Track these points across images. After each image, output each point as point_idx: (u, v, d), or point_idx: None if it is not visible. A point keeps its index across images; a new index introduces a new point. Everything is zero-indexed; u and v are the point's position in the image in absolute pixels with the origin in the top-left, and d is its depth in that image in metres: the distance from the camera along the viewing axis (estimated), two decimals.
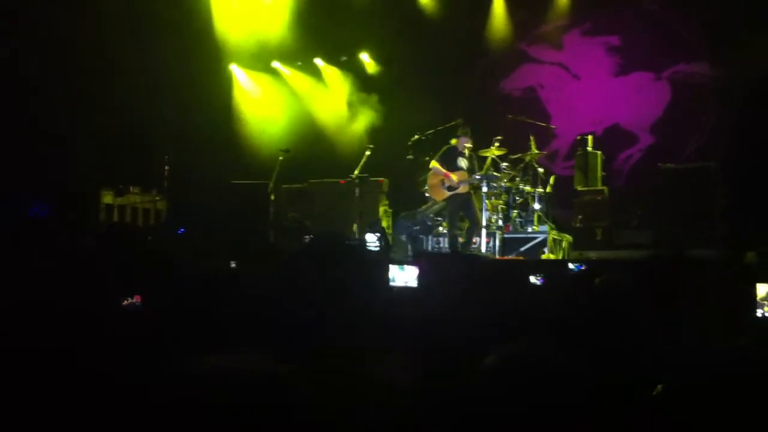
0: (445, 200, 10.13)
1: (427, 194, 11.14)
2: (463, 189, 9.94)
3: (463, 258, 7.34)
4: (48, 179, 9.55)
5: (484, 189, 9.98)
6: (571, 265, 6.24)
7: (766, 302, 3.12)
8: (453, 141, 10.16)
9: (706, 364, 2.23)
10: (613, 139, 12.30)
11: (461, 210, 10.07)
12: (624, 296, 3.06)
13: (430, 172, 10.18)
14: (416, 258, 5.61)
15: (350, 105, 13.33)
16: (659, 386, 2.12)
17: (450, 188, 10.01)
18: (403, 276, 4.59)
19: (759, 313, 3.12)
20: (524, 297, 4.31)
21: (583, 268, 5.84)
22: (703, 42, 11.96)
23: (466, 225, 10.17)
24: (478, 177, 10.02)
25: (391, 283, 4.33)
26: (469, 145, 10.10)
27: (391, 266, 4.46)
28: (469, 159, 10.10)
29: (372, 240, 9.31)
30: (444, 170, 10.00)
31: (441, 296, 3.70)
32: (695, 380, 2.16)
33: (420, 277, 4.48)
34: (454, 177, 9.95)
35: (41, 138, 9.78)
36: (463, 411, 1.93)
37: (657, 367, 2.29)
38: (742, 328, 3.03)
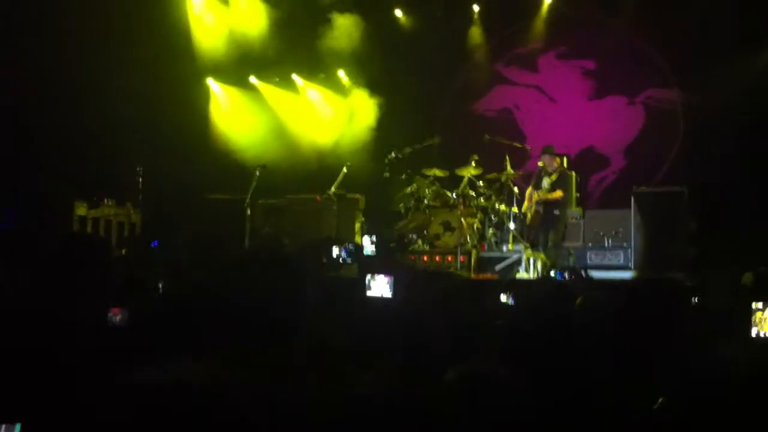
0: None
1: (402, 211, 11.20)
2: (531, 209, 9.99)
3: (434, 274, 7.40)
4: (21, 190, 9.42)
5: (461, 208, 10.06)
6: (552, 273, 6.31)
7: (761, 321, 3.19)
8: (540, 162, 10.24)
9: (701, 381, 2.28)
10: (586, 161, 12.48)
11: (542, 229, 9.99)
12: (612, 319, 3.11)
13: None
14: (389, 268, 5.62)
15: (327, 121, 13.35)
16: (660, 399, 2.17)
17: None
18: (376, 287, 4.61)
19: (754, 332, 3.19)
20: (493, 316, 4.34)
21: (564, 276, 5.89)
22: (674, 68, 12.21)
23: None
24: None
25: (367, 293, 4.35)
26: (544, 164, 10.10)
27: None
28: (552, 178, 10.03)
29: (368, 244, 9.34)
30: (529, 190, 10.14)
31: (414, 309, 3.72)
32: (690, 397, 2.21)
33: (395, 288, 4.51)
34: (527, 196, 10.13)
35: (14, 149, 9.64)
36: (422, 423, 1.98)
37: (652, 387, 2.34)
38: (739, 347, 3.09)
